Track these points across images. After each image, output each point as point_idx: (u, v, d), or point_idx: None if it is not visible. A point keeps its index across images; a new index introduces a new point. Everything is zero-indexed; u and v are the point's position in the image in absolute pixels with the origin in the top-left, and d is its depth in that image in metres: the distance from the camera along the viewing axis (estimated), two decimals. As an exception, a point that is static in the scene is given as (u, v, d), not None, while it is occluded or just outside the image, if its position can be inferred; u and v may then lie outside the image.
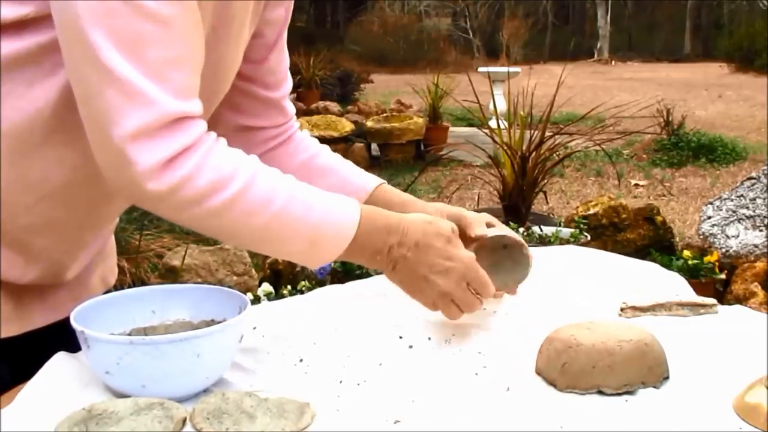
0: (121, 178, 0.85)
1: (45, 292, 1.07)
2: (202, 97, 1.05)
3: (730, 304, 1.20)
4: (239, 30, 1.02)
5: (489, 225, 1.15)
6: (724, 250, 3.93)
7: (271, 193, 0.89)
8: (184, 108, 0.85)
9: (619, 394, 0.88)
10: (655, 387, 0.89)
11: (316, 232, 0.92)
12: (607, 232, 4.30)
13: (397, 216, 0.99)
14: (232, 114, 1.17)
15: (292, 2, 1.16)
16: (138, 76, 0.82)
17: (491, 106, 5.50)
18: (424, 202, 1.19)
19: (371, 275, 1.31)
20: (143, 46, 0.82)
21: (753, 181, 4.28)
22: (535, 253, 1.15)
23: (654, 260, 1.36)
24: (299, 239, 0.92)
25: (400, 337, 1.03)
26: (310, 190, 0.94)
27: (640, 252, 3.97)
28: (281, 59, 1.19)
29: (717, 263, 3.67)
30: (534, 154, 4.48)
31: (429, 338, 1.04)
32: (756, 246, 3.90)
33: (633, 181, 7.03)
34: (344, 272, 3.38)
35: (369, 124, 7.77)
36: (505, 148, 4.52)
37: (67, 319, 0.88)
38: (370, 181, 1.19)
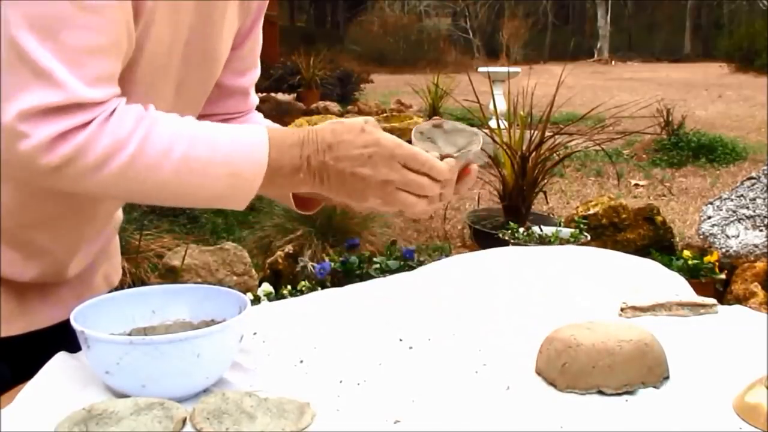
0: (14, 155, 0.83)
1: (48, 290, 1.07)
2: (196, 85, 1.04)
3: (730, 304, 1.20)
4: (221, 17, 1.02)
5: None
6: (724, 250, 3.93)
7: (170, 141, 0.86)
8: (94, 95, 0.84)
9: (619, 394, 0.88)
10: (655, 387, 0.89)
11: (228, 166, 0.88)
12: (607, 232, 4.30)
13: (306, 128, 0.95)
14: None
15: None
16: (48, 56, 0.81)
17: (491, 106, 5.50)
18: None
19: (372, 276, 1.31)
20: (60, 29, 0.81)
21: (753, 181, 4.28)
22: (535, 252, 1.15)
23: (654, 260, 1.36)
24: (214, 179, 0.88)
25: (401, 340, 1.03)
26: (213, 127, 0.91)
27: (640, 252, 3.97)
28: (254, 47, 1.18)
29: (717, 263, 3.67)
30: (534, 154, 4.48)
31: (429, 339, 1.03)
32: (756, 246, 3.90)
33: (633, 181, 7.03)
34: (344, 272, 3.38)
35: (369, 124, 7.76)
36: (505, 148, 4.52)
37: (68, 319, 0.88)
38: None
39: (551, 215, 5.22)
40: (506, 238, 3.83)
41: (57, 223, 1.01)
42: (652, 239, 4.27)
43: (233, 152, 0.89)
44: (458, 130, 1.00)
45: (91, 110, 0.84)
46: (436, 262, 1.34)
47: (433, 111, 8.31)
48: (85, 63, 0.83)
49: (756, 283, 3.54)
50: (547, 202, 5.65)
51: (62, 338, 0.97)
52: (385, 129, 0.93)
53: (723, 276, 3.65)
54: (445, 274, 1.26)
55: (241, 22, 1.11)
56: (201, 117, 1.14)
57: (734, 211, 4.12)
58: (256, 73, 1.21)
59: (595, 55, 26.16)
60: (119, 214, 1.22)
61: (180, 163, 0.86)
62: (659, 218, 4.37)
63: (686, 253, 3.74)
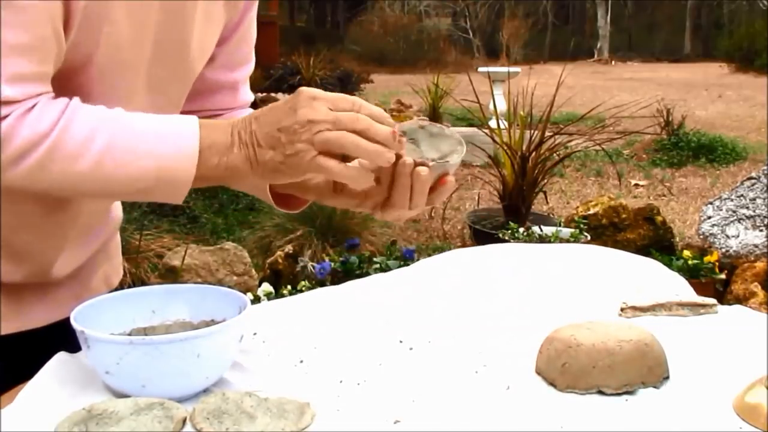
0: None
1: (44, 291, 1.07)
2: (172, 83, 1.03)
3: (730, 304, 1.20)
4: (191, 16, 1.00)
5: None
6: (724, 250, 3.93)
7: (91, 131, 0.85)
8: (9, 93, 0.82)
9: (619, 394, 0.88)
10: (655, 387, 0.89)
11: (155, 157, 0.86)
12: (607, 232, 4.30)
13: None
14: None
15: None
16: None
17: (491, 106, 5.51)
18: None
19: (370, 274, 1.31)
20: None
21: (753, 181, 4.28)
22: (536, 250, 1.14)
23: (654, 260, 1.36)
24: (143, 169, 0.86)
25: (401, 342, 1.03)
26: (141, 117, 0.88)
27: (640, 252, 3.97)
28: (243, 42, 1.15)
29: (717, 263, 3.68)
30: (534, 154, 4.49)
31: (429, 341, 1.03)
32: (756, 246, 3.90)
33: (633, 181, 7.03)
34: (344, 272, 3.38)
35: (369, 124, 7.76)
36: (505, 148, 4.53)
37: (68, 319, 0.88)
38: None
39: (551, 215, 5.22)
40: (506, 238, 3.84)
41: (36, 225, 1.00)
42: (652, 239, 4.28)
43: (160, 141, 0.87)
44: (444, 136, 0.93)
45: (7, 107, 0.82)
46: (435, 257, 1.34)
47: (434, 111, 8.31)
48: (3, 61, 0.82)
49: (756, 283, 3.54)
50: (547, 202, 5.65)
51: (61, 338, 0.97)
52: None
53: (723, 276, 3.65)
54: (445, 271, 1.26)
55: (228, 18, 1.09)
56: (185, 113, 1.11)
57: (734, 211, 4.13)
58: (248, 68, 1.18)
59: (595, 55, 26.17)
60: (118, 215, 1.21)
61: (102, 154, 0.85)
62: (659, 218, 4.37)
63: (686, 253, 3.75)
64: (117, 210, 1.21)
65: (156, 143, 0.87)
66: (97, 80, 0.93)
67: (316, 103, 0.85)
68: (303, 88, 0.88)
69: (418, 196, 0.90)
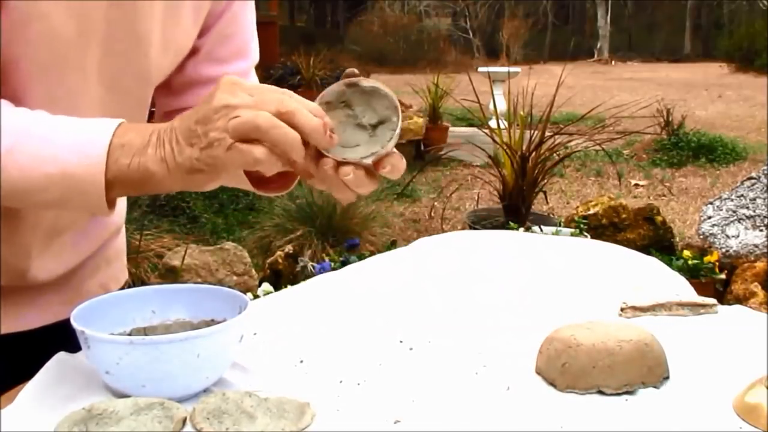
0: None
1: (35, 294, 1.06)
2: (131, 80, 0.99)
3: (730, 304, 1.20)
4: (150, 4, 0.95)
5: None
6: (724, 250, 3.93)
7: None
8: None
9: (619, 394, 0.88)
10: (655, 387, 0.89)
11: (60, 160, 0.80)
12: (607, 232, 4.30)
13: None
14: (163, 97, 1.10)
15: None
16: None
17: (491, 106, 5.51)
18: None
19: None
20: None
21: (753, 181, 4.28)
22: (536, 240, 1.13)
23: (654, 259, 1.36)
24: (48, 175, 0.81)
25: (401, 342, 1.03)
26: (55, 122, 0.83)
27: (640, 252, 3.98)
28: (232, 35, 1.09)
29: (717, 263, 3.68)
30: (534, 154, 4.49)
31: (429, 342, 1.03)
32: (756, 246, 3.90)
33: (633, 181, 7.03)
34: (344, 272, 3.38)
35: (369, 124, 7.76)
36: (505, 148, 4.53)
37: (66, 320, 0.88)
38: None
39: (551, 215, 5.22)
40: (506, 238, 3.84)
41: (4, 231, 0.99)
42: (652, 239, 4.28)
43: (66, 145, 0.81)
44: (379, 94, 0.81)
45: None
46: (434, 236, 1.34)
47: (434, 111, 8.31)
48: None
49: (756, 283, 3.55)
50: (547, 202, 5.65)
51: (61, 338, 0.96)
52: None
53: (723, 276, 3.65)
54: (443, 253, 1.26)
55: (208, 9, 1.05)
56: (173, 111, 1.08)
57: (734, 211, 4.13)
58: (243, 64, 1.12)
59: (595, 55, 26.18)
60: (118, 219, 1.20)
61: (4, 158, 0.80)
62: (659, 218, 4.38)
63: (686, 253, 3.75)
64: (116, 214, 1.19)
65: (61, 147, 0.81)
66: (35, 79, 0.90)
67: (235, 88, 0.77)
68: (226, 76, 0.80)
69: (358, 187, 0.81)
